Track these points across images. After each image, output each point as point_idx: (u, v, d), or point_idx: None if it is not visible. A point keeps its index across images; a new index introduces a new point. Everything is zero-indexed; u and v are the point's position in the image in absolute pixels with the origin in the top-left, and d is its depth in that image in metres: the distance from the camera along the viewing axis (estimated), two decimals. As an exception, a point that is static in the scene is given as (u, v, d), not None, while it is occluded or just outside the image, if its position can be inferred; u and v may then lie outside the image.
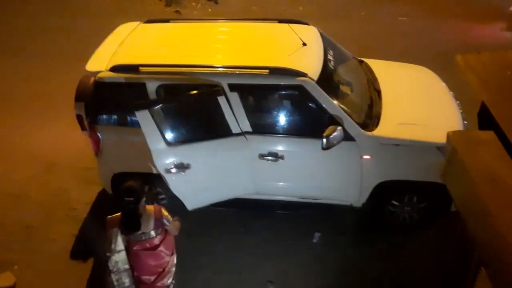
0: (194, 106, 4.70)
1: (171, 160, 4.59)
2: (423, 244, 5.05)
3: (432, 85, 5.57)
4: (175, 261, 4.20)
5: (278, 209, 5.33)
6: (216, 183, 4.81)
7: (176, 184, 4.72)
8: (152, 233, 3.94)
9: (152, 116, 4.37)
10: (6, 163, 6.33)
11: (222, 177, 4.80)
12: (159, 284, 4.08)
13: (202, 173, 4.71)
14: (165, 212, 4.01)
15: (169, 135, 4.58)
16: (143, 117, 4.36)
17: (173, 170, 4.61)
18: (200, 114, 4.75)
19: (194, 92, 4.50)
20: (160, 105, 4.51)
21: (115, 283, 3.86)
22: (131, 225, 3.85)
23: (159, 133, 4.48)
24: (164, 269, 4.08)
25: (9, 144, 6.63)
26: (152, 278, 4.04)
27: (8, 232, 5.39)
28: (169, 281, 4.16)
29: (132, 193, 3.77)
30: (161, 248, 4.02)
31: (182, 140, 4.63)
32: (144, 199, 3.87)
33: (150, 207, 3.98)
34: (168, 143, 4.55)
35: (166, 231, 4.06)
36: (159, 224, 3.95)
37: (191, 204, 4.87)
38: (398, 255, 4.96)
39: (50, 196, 5.82)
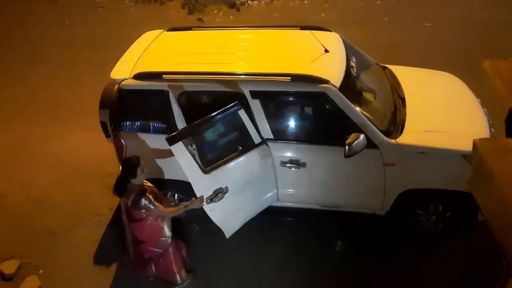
0: (218, 126, 4.61)
1: (211, 188, 4.42)
2: (449, 254, 4.94)
3: (458, 92, 5.46)
4: (155, 249, 4.45)
5: (299, 216, 5.29)
6: (248, 199, 4.73)
7: (217, 212, 4.53)
8: (131, 207, 4.23)
9: (186, 147, 4.31)
10: (31, 169, 6.45)
11: (253, 192, 4.74)
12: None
13: (237, 193, 4.59)
14: (145, 199, 4.14)
15: (203, 162, 4.48)
16: (178, 150, 4.27)
17: (215, 199, 4.43)
18: (225, 133, 4.70)
19: (215, 113, 4.40)
20: (190, 134, 4.44)
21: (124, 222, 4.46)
22: (115, 189, 4.30)
23: (194, 162, 4.38)
24: (144, 241, 4.40)
25: (34, 150, 6.76)
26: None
27: (33, 237, 5.50)
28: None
29: (125, 165, 4.21)
30: (134, 226, 4.34)
31: (216, 164, 4.50)
32: (140, 177, 4.19)
33: (142, 187, 4.23)
34: (204, 171, 4.43)
35: (147, 215, 4.24)
36: (136, 204, 4.17)
37: (229, 230, 4.70)
38: (424, 265, 4.86)
39: (74, 202, 5.92)
